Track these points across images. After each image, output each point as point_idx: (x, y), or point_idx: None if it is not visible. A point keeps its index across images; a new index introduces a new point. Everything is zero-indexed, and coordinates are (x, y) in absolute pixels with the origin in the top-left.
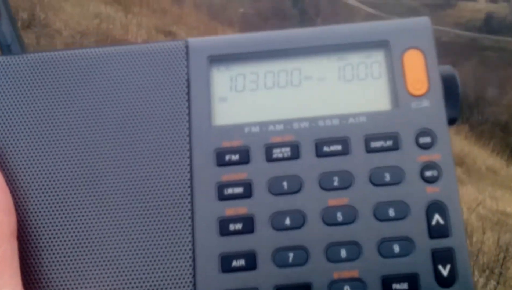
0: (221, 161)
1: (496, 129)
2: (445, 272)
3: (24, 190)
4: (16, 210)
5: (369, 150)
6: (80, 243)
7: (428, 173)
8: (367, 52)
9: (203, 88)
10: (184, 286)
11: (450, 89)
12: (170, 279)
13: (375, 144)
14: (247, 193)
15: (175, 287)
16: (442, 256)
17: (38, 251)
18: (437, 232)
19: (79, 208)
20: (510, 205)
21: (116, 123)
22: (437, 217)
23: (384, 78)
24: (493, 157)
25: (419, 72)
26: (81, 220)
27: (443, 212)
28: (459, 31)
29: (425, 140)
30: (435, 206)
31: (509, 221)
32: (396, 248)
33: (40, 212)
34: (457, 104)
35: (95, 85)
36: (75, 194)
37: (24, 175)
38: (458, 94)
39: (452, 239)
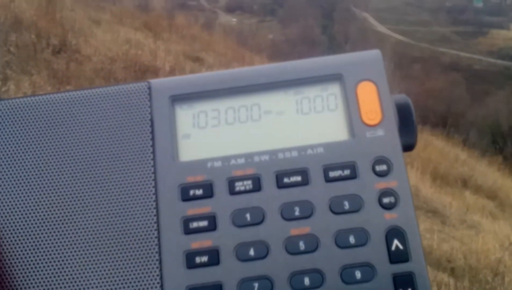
0: (185, 196)
1: None
2: None
3: None
4: None
5: (328, 179)
6: (51, 280)
7: (386, 200)
8: (322, 85)
9: (166, 127)
10: None
11: (405, 117)
12: None
13: (333, 174)
14: (212, 226)
15: None
16: (403, 280)
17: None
18: (397, 257)
19: (50, 247)
20: None
21: (84, 163)
22: (396, 243)
23: (340, 110)
24: None
25: (372, 102)
26: (52, 258)
27: (401, 237)
28: (491, 59)
29: (381, 167)
30: (393, 232)
31: None
32: (358, 275)
33: (12, 252)
34: (413, 131)
35: (62, 128)
36: (45, 235)
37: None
38: (413, 121)
39: (412, 264)
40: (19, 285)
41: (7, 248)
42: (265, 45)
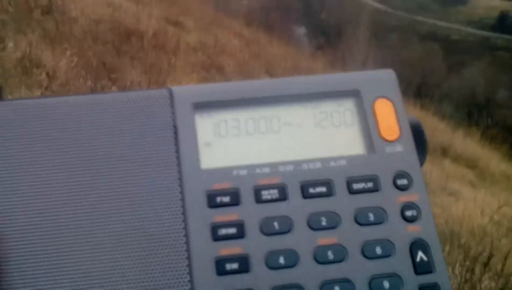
0: (213, 202)
1: (506, 133)
2: None
3: (12, 238)
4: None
5: (352, 191)
6: (78, 285)
7: (408, 213)
8: (339, 101)
9: (190, 134)
10: None
11: (417, 136)
12: None
13: (357, 186)
14: (240, 234)
15: None
16: None
17: None
18: (422, 268)
19: (77, 252)
20: None
21: (106, 167)
22: (420, 254)
23: (357, 125)
24: (506, 162)
25: (390, 119)
26: (79, 262)
27: (425, 249)
28: (470, 29)
29: (402, 182)
30: (418, 244)
31: None
32: (386, 285)
33: (30, 261)
34: (425, 149)
35: (82, 131)
36: (69, 240)
37: (11, 224)
38: (425, 140)
39: (436, 275)
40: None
41: (35, 253)
42: (240, 11)
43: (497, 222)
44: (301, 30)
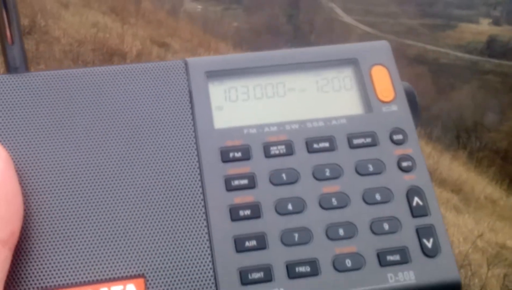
0: (226, 157)
1: (495, 156)
2: (429, 244)
3: (39, 199)
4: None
5: (352, 146)
6: (104, 234)
7: (404, 164)
8: (339, 69)
9: (203, 98)
10: (204, 265)
11: (410, 99)
12: (191, 260)
13: (357, 141)
14: (252, 184)
15: (196, 266)
16: (425, 231)
17: (52, 248)
18: (418, 211)
19: (102, 205)
20: (511, 237)
21: (128, 130)
22: (416, 200)
23: (355, 89)
24: (492, 186)
25: (385, 83)
26: (105, 215)
27: (421, 195)
28: (459, 53)
29: (398, 137)
30: (413, 190)
31: (510, 255)
32: (386, 227)
33: (63, 210)
34: (417, 110)
35: (105, 99)
36: (97, 194)
37: (37, 186)
38: (417, 103)
39: (431, 217)
40: (69, 238)
41: (64, 209)
42: (230, 33)
43: (480, 249)
44: None
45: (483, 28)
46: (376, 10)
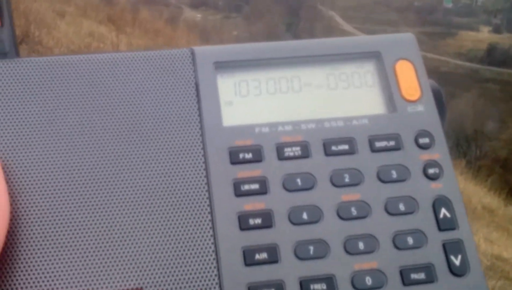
0: (235, 159)
1: (495, 165)
2: (457, 262)
3: (30, 196)
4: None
5: (374, 149)
6: (100, 241)
7: (431, 171)
8: (359, 63)
9: (211, 92)
10: (209, 279)
11: (437, 99)
12: (195, 273)
13: (379, 144)
14: (263, 189)
15: (200, 280)
16: (453, 247)
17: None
18: (445, 224)
19: (98, 208)
20: (507, 249)
21: (128, 124)
22: (443, 211)
23: (378, 86)
24: (491, 196)
25: (411, 80)
26: (101, 220)
27: (448, 206)
28: (459, 61)
29: (424, 140)
30: (440, 201)
31: (505, 267)
32: (410, 241)
33: (54, 213)
34: (445, 111)
35: (103, 89)
36: (92, 195)
37: (30, 180)
38: (443, 103)
39: (459, 231)
40: (60, 245)
41: (55, 211)
42: (229, 42)
43: None
44: None
45: (483, 36)
46: (376, 18)
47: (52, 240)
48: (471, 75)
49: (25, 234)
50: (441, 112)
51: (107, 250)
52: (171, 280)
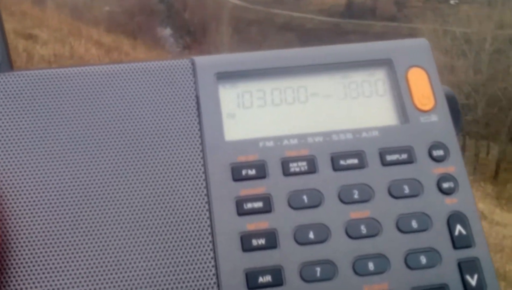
0: (237, 175)
1: None
2: (473, 282)
3: (28, 211)
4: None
5: (385, 163)
6: (97, 262)
7: (445, 185)
8: (370, 71)
9: (212, 104)
10: None
11: (451, 107)
12: None
13: (390, 158)
14: (267, 208)
15: None
16: (468, 266)
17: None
18: (460, 242)
19: (94, 227)
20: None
21: (125, 142)
22: (459, 228)
23: (389, 95)
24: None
25: (424, 88)
26: (97, 239)
27: (464, 222)
28: (322, 17)
29: (438, 153)
30: (455, 217)
31: None
32: (423, 260)
33: (50, 231)
34: (459, 119)
35: (98, 103)
36: (88, 214)
37: (22, 200)
38: (459, 111)
39: (476, 249)
40: (56, 265)
41: (51, 228)
42: (102, 18)
43: None
44: (167, 32)
45: None
46: None
47: (46, 261)
48: (334, 29)
49: (14, 258)
50: (455, 120)
51: (101, 271)
52: None
